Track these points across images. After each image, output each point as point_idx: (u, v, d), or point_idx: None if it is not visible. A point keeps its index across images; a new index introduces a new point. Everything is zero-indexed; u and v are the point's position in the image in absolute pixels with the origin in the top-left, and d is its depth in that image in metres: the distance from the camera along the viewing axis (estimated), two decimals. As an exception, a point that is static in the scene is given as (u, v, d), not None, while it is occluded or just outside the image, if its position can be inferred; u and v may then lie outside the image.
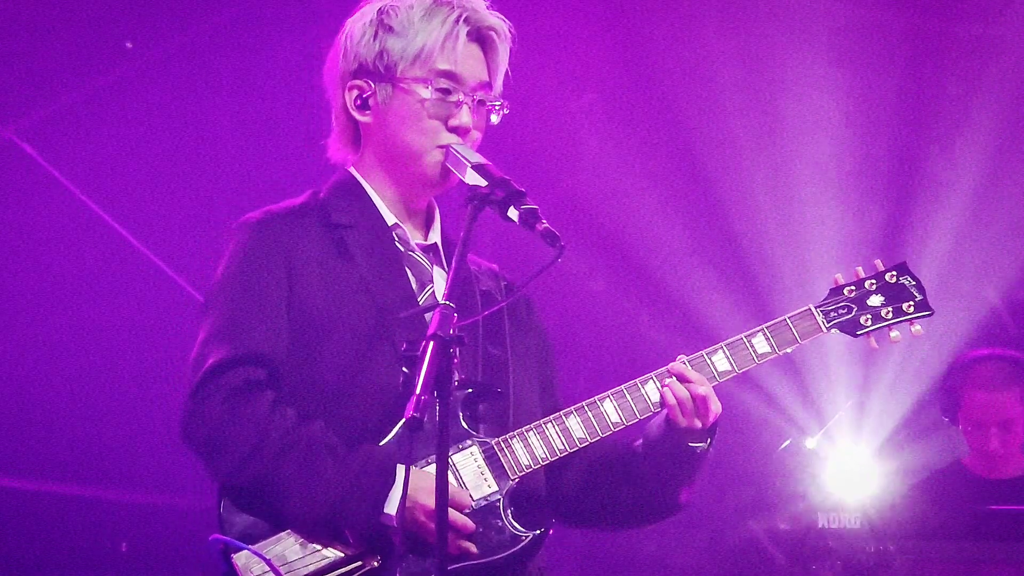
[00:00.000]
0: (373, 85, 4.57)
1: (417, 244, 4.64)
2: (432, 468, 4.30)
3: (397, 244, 4.61)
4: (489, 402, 4.52)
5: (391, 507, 4.27)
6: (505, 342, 4.64)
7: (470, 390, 4.47)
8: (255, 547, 4.30)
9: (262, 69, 8.92)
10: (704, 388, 4.52)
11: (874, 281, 4.70)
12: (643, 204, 9.59)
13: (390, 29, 4.54)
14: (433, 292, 4.58)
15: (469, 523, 4.35)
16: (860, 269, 4.73)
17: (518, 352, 4.68)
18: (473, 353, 4.54)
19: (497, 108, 4.62)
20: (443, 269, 4.64)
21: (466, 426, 4.46)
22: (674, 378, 4.53)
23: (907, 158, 9.50)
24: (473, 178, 4.32)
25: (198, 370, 4.36)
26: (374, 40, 4.56)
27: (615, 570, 9.28)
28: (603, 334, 9.65)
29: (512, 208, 4.24)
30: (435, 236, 4.69)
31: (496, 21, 4.60)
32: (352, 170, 4.67)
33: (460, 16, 4.53)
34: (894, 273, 4.72)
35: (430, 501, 4.19)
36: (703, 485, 4.73)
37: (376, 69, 4.55)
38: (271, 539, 4.33)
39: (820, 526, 7.33)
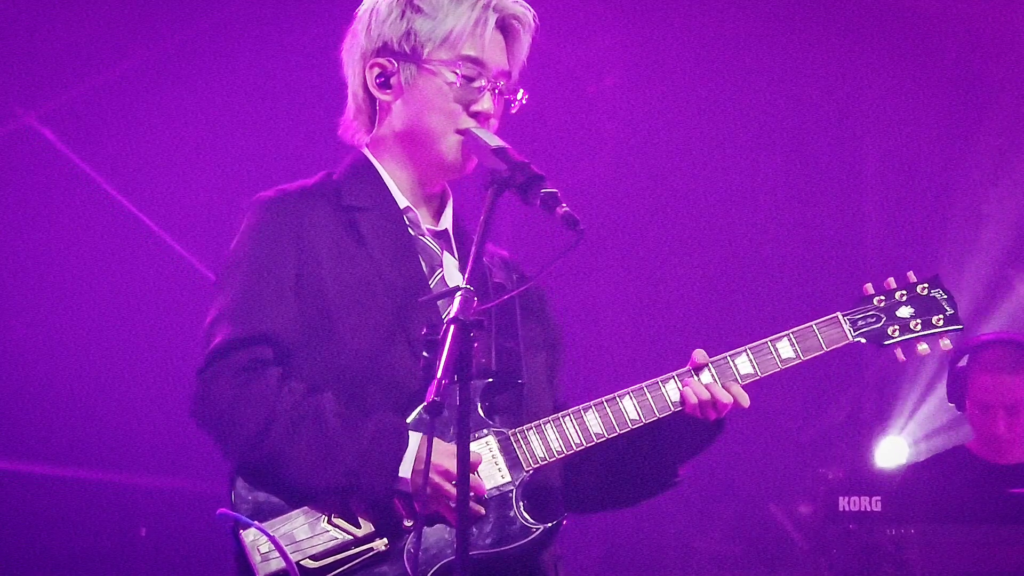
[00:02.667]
0: (397, 64, 4.54)
1: (428, 229, 4.62)
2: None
3: (408, 228, 4.59)
4: (506, 393, 4.51)
5: (405, 470, 4.28)
6: (517, 334, 4.61)
7: (491, 380, 4.47)
8: (264, 525, 4.30)
9: (278, 53, 8.92)
10: (727, 397, 4.49)
11: (905, 292, 4.63)
12: (665, 190, 9.57)
13: (419, 10, 4.51)
14: (443, 277, 4.56)
15: (480, 484, 4.35)
16: (892, 280, 4.66)
17: (529, 344, 4.65)
18: (487, 344, 4.52)
19: (516, 98, 4.61)
20: (452, 255, 4.62)
21: (483, 415, 4.45)
22: (696, 378, 4.50)
23: (927, 143, 9.47)
24: (493, 162, 4.31)
25: (206, 349, 4.38)
26: (401, 19, 4.52)
27: (636, 555, 9.28)
28: (622, 325, 9.63)
29: (532, 192, 4.23)
30: (446, 222, 4.67)
31: (522, 11, 4.58)
32: (366, 151, 4.65)
33: (489, 2, 4.51)
34: (925, 285, 4.64)
35: (446, 463, 4.22)
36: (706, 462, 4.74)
37: (401, 49, 4.52)
38: (280, 517, 4.34)
39: (840, 509, 7.31)
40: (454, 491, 4.06)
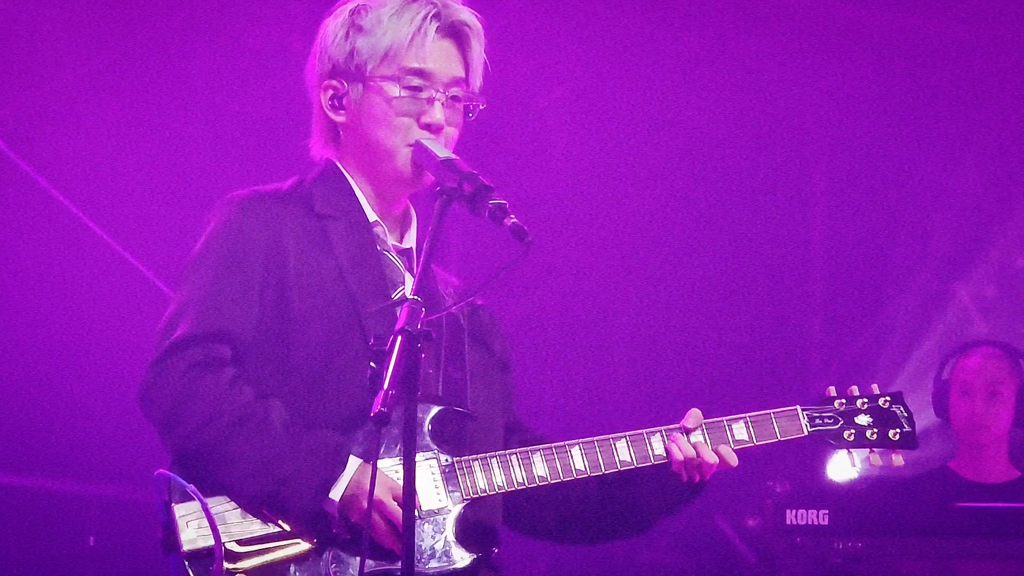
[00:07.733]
0: (346, 85, 4.60)
1: (393, 245, 4.66)
2: (390, 469, 4.36)
3: (376, 242, 4.63)
4: (453, 423, 4.52)
5: (336, 493, 4.32)
6: (464, 364, 4.65)
7: (440, 408, 4.48)
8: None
9: (239, 61, 8.91)
10: (713, 458, 4.61)
11: (866, 401, 4.77)
12: (615, 203, 9.59)
13: (360, 29, 4.58)
14: (403, 294, 4.56)
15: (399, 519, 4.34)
16: (855, 388, 4.80)
17: (478, 373, 4.68)
18: (436, 372, 4.56)
19: (472, 105, 4.64)
20: (413, 274, 4.63)
21: (429, 440, 4.46)
22: (683, 436, 4.61)
23: (873, 159, 9.53)
24: (442, 173, 4.33)
25: (164, 340, 4.40)
26: (345, 40, 4.59)
27: (582, 567, 9.28)
28: (569, 340, 9.63)
29: (480, 203, 4.26)
30: (410, 241, 4.71)
31: (468, 16, 4.63)
32: (337, 163, 4.69)
33: (429, 13, 4.56)
34: (888, 399, 4.79)
35: (381, 494, 4.27)
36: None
37: (348, 69, 4.59)
38: (213, 498, 4.36)
39: (787, 523, 7.33)
40: (383, 523, 4.26)
